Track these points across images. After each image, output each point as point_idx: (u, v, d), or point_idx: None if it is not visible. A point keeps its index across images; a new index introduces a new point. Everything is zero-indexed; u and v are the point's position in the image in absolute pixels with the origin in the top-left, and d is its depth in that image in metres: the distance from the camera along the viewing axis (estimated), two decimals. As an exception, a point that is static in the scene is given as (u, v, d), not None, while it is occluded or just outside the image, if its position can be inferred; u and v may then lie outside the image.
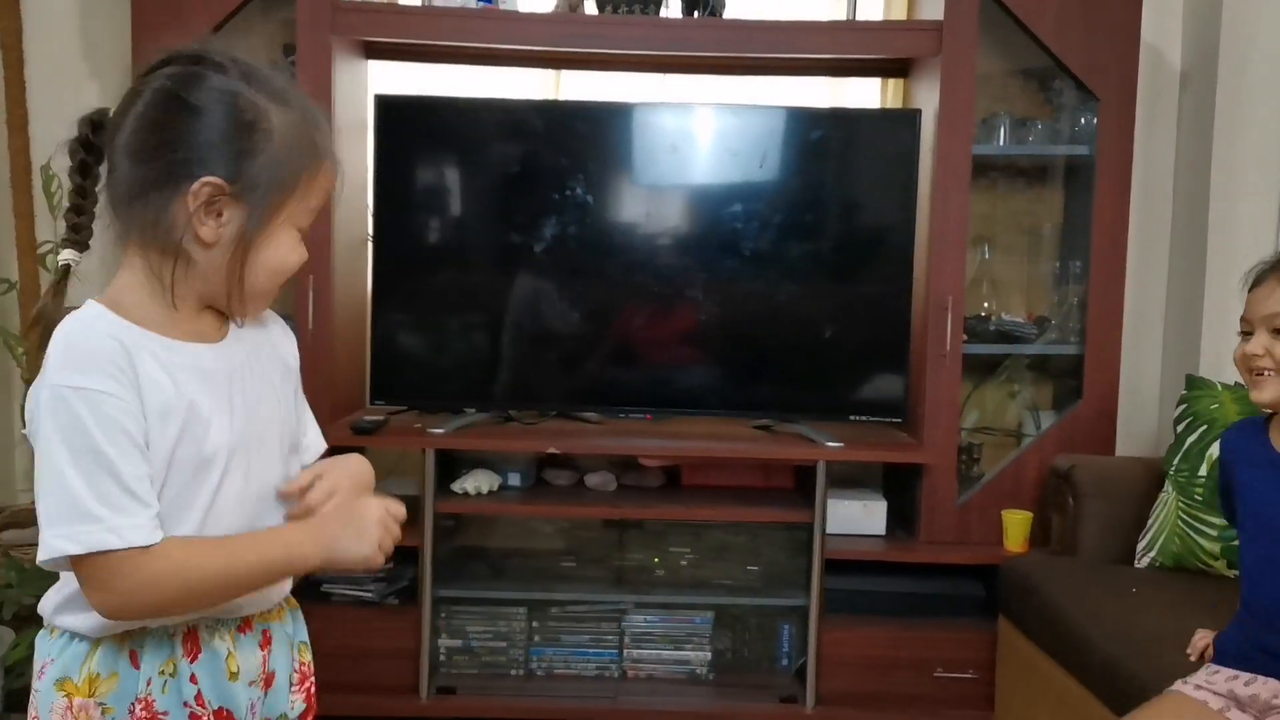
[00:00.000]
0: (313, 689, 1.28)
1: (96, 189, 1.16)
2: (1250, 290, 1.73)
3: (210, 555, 1.09)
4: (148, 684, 1.12)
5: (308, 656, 1.28)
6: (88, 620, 1.10)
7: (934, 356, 2.75)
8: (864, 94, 3.15)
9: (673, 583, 2.86)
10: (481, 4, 2.80)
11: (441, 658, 2.79)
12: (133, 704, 1.12)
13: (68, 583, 1.13)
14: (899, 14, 3.07)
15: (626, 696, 2.74)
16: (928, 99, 2.81)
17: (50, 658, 1.14)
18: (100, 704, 1.11)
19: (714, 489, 2.92)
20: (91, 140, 1.14)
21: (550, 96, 3.13)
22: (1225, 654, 1.77)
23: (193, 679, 1.14)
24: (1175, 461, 2.44)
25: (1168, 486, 2.45)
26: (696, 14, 2.81)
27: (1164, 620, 2.08)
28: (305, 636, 1.29)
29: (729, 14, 2.84)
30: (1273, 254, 1.79)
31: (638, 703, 2.73)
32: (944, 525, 2.79)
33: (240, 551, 1.11)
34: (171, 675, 1.13)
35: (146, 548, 1.04)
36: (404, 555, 2.62)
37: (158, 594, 1.06)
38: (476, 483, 2.78)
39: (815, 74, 3.08)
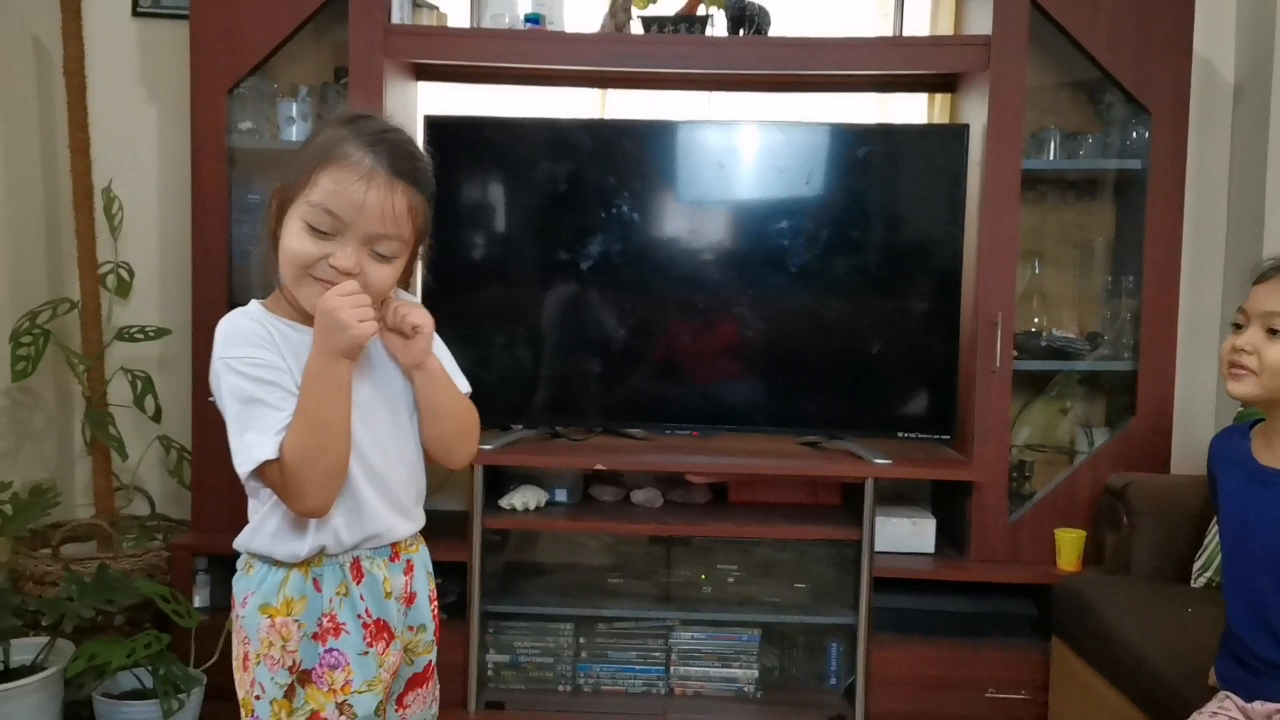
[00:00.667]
0: (436, 608, 1.58)
1: None
2: (1255, 284, 1.66)
3: (296, 425, 1.34)
4: (329, 602, 1.42)
5: (433, 584, 1.57)
6: (277, 545, 1.40)
7: (983, 373, 2.73)
8: (911, 109, 3.14)
9: (720, 600, 2.86)
10: (529, 25, 2.83)
11: (490, 672, 2.80)
12: (320, 618, 1.42)
13: (257, 519, 1.43)
14: (945, 28, 3.06)
15: (674, 714, 2.74)
16: (976, 113, 2.79)
17: (251, 590, 1.43)
18: (296, 620, 1.41)
19: (761, 506, 2.91)
20: None
21: (596, 115, 3.16)
22: (1226, 679, 1.72)
23: (361, 598, 1.43)
24: (1232, 479, 2.39)
25: (1224, 505, 2.40)
26: (742, 32, 2.82)
27: (1220, 641, 2.03)
28: (431, 566, 1.57)
29: (774, 31, 2.85)
30: None
31: (685, 720, 2.73)
32: (995, 543, 2.76)
33: (302, 405, 1.35)
34: (345, 595, 1.43)
35: (276, 459, 1.32)
36: (452, 570, 2.65)
37: (307, 469, 1.32)
38: (524, 498, 2.80)
39: (862, 90, 3.08)
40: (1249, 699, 1.66)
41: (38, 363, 2.75)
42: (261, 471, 1.33)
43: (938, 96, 3.10)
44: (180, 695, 2.48)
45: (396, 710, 1.55)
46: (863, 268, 2.82)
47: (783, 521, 2.80)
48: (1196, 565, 2.42)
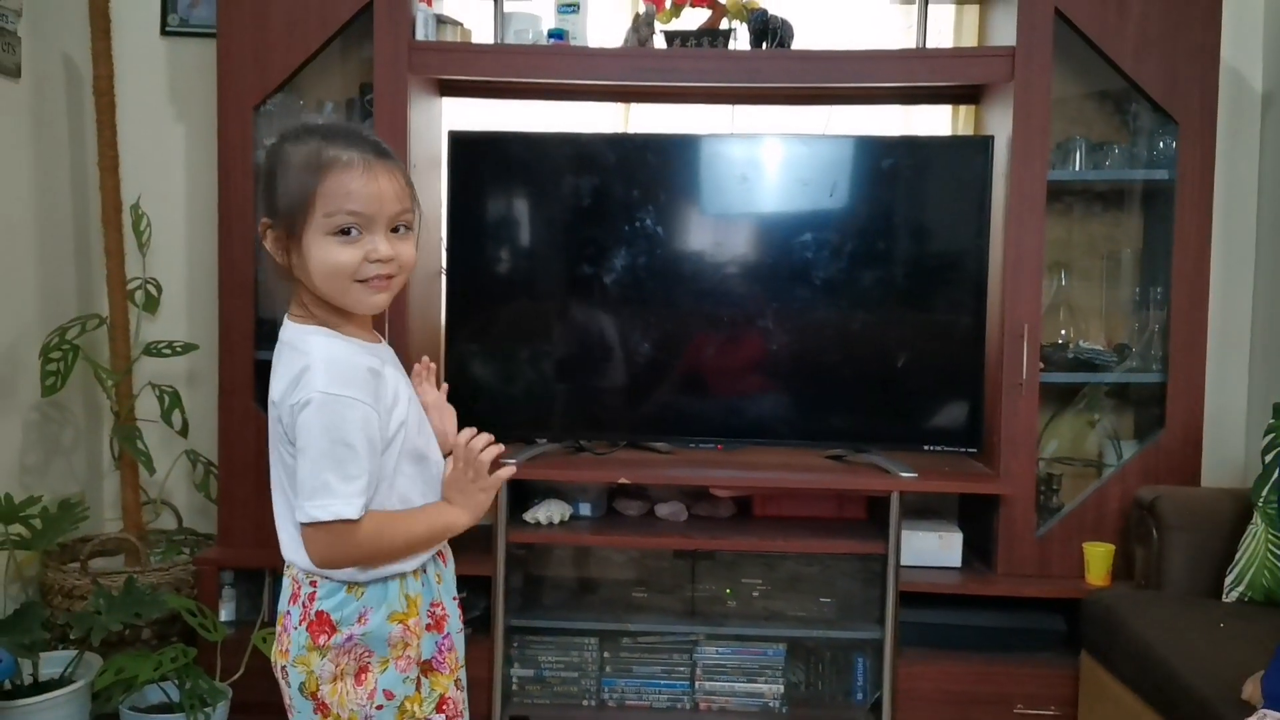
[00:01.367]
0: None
1: None
2: None
3: (394, 529, 1.42)
4: (435, 591, 1.52)
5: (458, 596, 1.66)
6: (408, 562, 1.47)
7: (1010, 385, 2.71)
8: (934, 120, 3.13)
9: (745, 614, 2.84)
10: (552, 41, 2.85)
11: (514, 687, 2.80)
12: (431, 608, 1.51)
13: None
14: (969, 39, 3.05)
15: (699, 729, 2.73)
16: (1001, 125, 2.78)
17: (369, 607, 1.44)
18: (418, 617, 1.48)
19: (786, 520, 2.90)
20: None
21: (620, 129, 3.17)
22: (1274, 696, 1.69)
23: (439, 579, 1.55)
24: (1264, 492, 2.37)
25: (1256, 518, 2.37)
26: (765, 45, 2.82)
27: (1254, 656, 2.00)
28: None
29: (797, 44, 2.85)
30: None
31: (710, 735, 2.71)
32: (1023, 557, 2.74)
33: (414, 524, 1.45)
34: (440, 583, 1.54)
35: (358, 520, 1.37)
36: (476, 584, 2.65)
37: (360, 553, 1.39)
38: (548, 512, 2.80)
39: (885, 102, 3.07)
40: None
41: (67, 378, 2.79)
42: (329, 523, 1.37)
43: (962, 108, 3.09)
44: (206, 709, 2.49)
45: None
46: (887, 280, 2.80)
47: (808, 535, 2.78)
48: (1229, 579, 2.39)
